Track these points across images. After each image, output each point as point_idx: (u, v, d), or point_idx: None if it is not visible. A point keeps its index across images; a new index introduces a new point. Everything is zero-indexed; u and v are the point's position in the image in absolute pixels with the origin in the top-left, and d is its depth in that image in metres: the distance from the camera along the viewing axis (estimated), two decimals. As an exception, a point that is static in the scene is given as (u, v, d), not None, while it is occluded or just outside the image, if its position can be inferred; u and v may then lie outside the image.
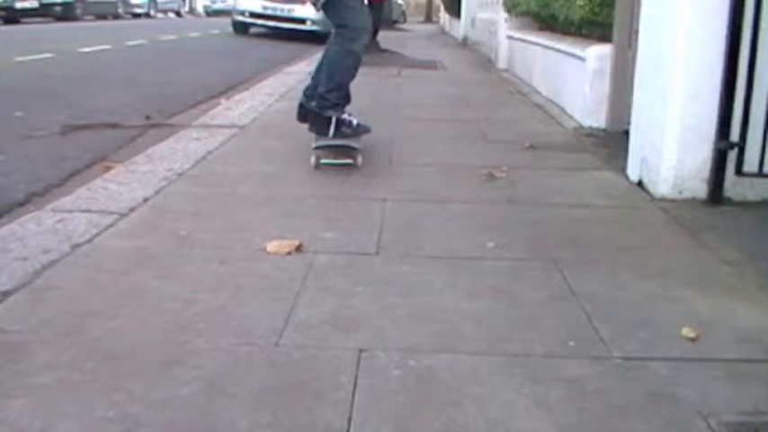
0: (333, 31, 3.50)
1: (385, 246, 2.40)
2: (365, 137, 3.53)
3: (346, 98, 3.52)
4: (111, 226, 2.49)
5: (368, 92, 5.53)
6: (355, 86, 3.54)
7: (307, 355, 1.65)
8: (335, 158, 3.39)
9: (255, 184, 3.10)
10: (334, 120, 3.39)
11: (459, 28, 15.60)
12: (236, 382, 1.53)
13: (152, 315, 1.83)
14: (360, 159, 3.39)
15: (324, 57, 3.55)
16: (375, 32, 14.04)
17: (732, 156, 2.92)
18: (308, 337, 1.75)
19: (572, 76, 5.20)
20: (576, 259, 2.32)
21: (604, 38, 4.78)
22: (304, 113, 3.68)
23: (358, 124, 3.48)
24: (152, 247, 2.31)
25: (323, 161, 3.37)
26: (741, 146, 2.90)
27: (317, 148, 3.38)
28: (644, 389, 1.55)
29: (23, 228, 2.43)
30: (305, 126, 3.60)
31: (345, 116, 3.45)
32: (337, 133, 3.39)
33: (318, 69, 3.59)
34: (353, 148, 3.40)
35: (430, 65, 9.12)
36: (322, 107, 3.45)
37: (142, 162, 3.42)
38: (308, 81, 3.76)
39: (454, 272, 2.18)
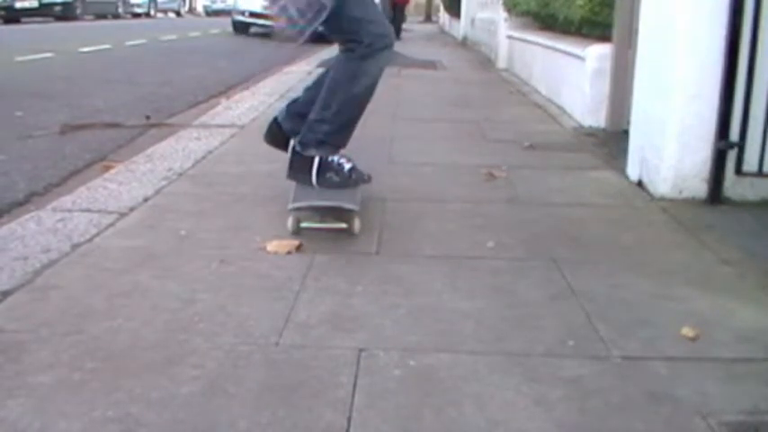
0: (339, 48, 2.55)
1: (385, 245, 2.40)
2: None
3: (341, 139, 2.57)
4: (111, 225, 2.49)
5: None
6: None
7: (306, 355, 1.65)
8: (322, 221, 2.48)
9: (255, 184, 3.10)
10: (316, 161, 2.52)
11: (459, 28, 15.62)
12: (236, 381, 1.53)
13: (152, 314, 1.83)
14: (357, 224, 2.45)
15: (327, 74, 2.59)
16: (397, 33, 14.15)
17: (732, 155, 2.92)
18: (308, 336, 1.75)
19: (572, 76, 5.20)
20: (575, 259, 2.32)
21: (604, 38, 4.78)
22: (274, 133, 2.77)
23: (351, 170, 2.55)
24: (152, 246, 2.31)
25: (304, 224, 2.46)
26: (741, 145, 2.90)
27: (295, 209, 2.45)
28: (644, 389, 1.55)
29: (23, 227, 2.43)
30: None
31: (335, 158, 2.54)
32: (321, 180, 2.52)
33: (317, 84, 2.65)
34: (347, 210, 2.44)
35: (430, 65, 9.12)
36: (304, 142, 2.55)
37: (142, 162, 3.42)
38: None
39: (454, 271, 2.18)
